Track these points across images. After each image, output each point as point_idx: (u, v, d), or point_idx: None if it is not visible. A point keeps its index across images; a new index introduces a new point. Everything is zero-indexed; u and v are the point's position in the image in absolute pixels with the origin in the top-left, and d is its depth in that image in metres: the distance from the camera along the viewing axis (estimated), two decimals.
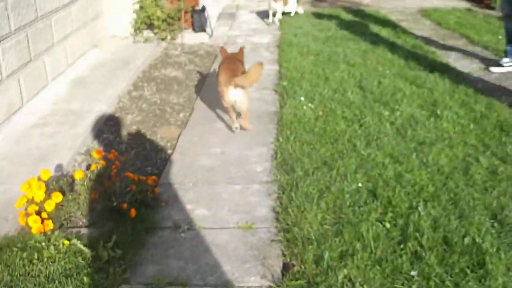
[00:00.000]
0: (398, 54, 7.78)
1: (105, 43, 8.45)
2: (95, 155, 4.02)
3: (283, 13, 10.38)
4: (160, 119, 5.85)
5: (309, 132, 5.15)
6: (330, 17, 10.52)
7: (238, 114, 5.40)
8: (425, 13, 11.04)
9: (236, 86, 5.07)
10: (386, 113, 5.54)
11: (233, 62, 5.56)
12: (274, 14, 10.31)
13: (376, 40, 8.60)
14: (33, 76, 6.21)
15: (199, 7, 9.11)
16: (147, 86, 6.85)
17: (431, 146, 4.82)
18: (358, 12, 11.07)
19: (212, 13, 9.93)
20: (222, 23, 10.19)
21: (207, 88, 6.63)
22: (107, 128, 5.65)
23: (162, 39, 8.56)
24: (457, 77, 6.81)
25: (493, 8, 11.45)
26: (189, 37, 8.75)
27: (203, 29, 8.81)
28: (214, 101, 5.99)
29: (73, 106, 6.01)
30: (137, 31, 8.58)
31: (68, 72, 7.12)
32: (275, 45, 8.50)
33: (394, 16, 10.75)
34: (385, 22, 9.99)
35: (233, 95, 5.12)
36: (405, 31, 9.27)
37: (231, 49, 7.43)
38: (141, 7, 8.46)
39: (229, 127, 5.42)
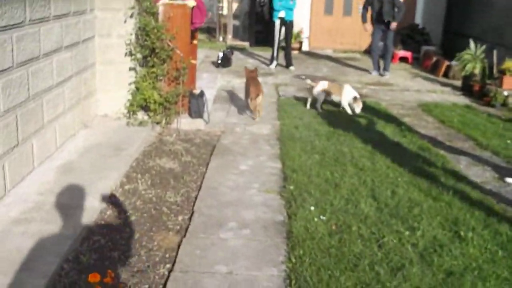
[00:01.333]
0: (407, 157, 7.39)
1: (97, 123, 7.99)
2: (91, 279, 3.50)
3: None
4: (157, 221, 5.33)
5: (325, 252, 4.66)
6: (329, 106, 10.14)
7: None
8: (426, 108, 10.74)
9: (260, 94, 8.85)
10: (406, 232, 5.08)
11: (255, 78, 9.38)
12: (312, 104, 10.03)
13: (382, 138, 8.22)
14: (19, 161, 5.72)
15: (197, 91, 8.69)
16: (141, 178, 6.35)
17: (460, 278, 4.36)
18: None
19: (208, 95, 9.52)
20: (218, 107, 9.77)
21: (207, 187, 6.13)
22: (98, 229, 5.12)
23: (157, 123, 8.09)
24: (473, 188, 6.41)
25: (493, 106, 11.20)
26: (185, 123, 8.32)
27: (200, 115, 8.39)
28: (216, 204, 5.54)
29: (61, 199, 5.49)
30: (131, 113, 8.11)
31: (56, 156, 6.63)
32: (275, 138, 8.08)
33: (395, 110, 10.42)
34: (388, 117, 9.64)
35: (259, 100, 8.85)
36: (409, 129, 8.92)
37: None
38: (137, 88, 8.01)
39: (236, 236, 4.91)
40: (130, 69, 8.21)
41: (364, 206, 5.61)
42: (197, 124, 8.40)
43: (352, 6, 18.79)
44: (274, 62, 14.53)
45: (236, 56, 15.60)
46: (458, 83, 13.41)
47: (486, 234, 5.16)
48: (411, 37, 17.53)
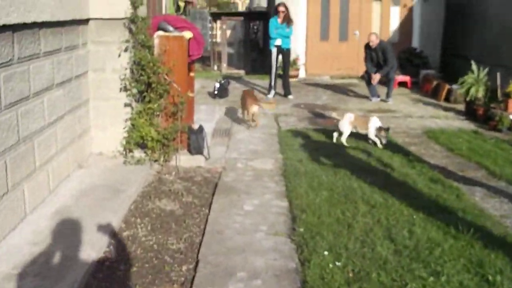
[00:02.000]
0: (419, 190, 7.03)
1: (92, 163, 7.61)
2: None
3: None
4: (159, 273, 4.94)
5: None
6: (332, 137, 9.77)
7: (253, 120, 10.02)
8: (432, 135, 10.41)
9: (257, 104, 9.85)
10: (430, 278, 4.69)
11: (250, 93, 10.79)
12: (339, 135, 9.65)
13: (390, 171, 7.86)
14: (9, 210, 5.33)
15: (196, 126, 8.33)
16: (140, 223, 5.97)
17: None
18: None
19: (206, 129, 9.16)
20: (218, 141, 9.41)
21: (211, 231, 5.74)
22: (96, 283, 4.73)
23: (155, 161, 7.71)
24: (493, 224, 6.03)
25: (500, 131, 10.88)
26: (184, 160, 7.94)
27: (200, 151, 8.01)
28: (222, 250, 5.16)
29: (56, 249, 5.09)
30: (128, 150, 7.73)
31: (50, 201, 6.23)
32: (279, 173, 7.71)
33: (400, 138, 10.08)
34: (393, 147, 9.30)
35: (255, 109, 10.01)
36: (418, 159, 8.58)
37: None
38: (133, 125, 7.64)
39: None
40: (126, 105, 7.84)
41: (381, 249, 5.23)
42: (197, 160, 8.02)
43: (348, 31, 18.57)
44: (272, 92, 14.20)
45: (233, 85, 15.30)
46: (461, 107, 13.11)
47: None
48: (409, 61, 17.28)
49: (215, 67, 21.29)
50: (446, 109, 13.19)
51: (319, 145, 9.31)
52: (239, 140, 9.62)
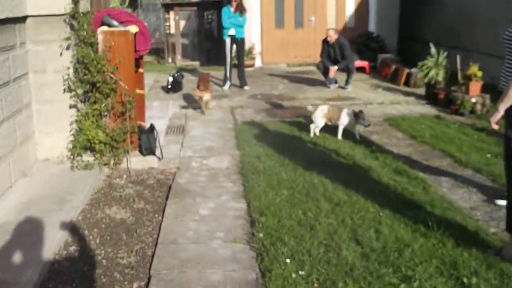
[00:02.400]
0: (384, 184, 6.70)
1: (37, 170, 7.13)
2: None
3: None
4: None
5: None
6: (291, 130, 9.43)
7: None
8: (394, 122, 10.11)
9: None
10: (402, 285, 4.34)
11: (206, 79, 11.23)
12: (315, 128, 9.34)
13: (353, 163, 7.55)
14: None
15: (147, 125, 7.88)
16: (88, 235, 5.53)
17: None
18: None
19: (159, 126, 8.75)
20: (171, 139, 8.97)
21: (164, 241, 5.32)
22: None
23: (105, 164, 7.26)
24: (463, 217, 5.72)
25: (462, 114, 10.64)
26: (136, 162, 7.50)
27: (152, 152, 7.57)
28: (176, 264, 4.77)
29: None
30: (75, 155, 7.26)
31: None
32: (237, 171, 7.32)
33: (361, 127, 9.71)
34: (354, 137, 8.93)
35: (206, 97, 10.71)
36: (380, 148, 8.29)
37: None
38: (79, 128, 7.17)
39: None
40: (71, 106, 7.38)
41: (347, 253, 4.87)
42: (150, 162, 7.58)
43: (303, 17, 18.17)
44: (228, 83, 13.75)
45: (187, 78, 14.82)
46: (421, 91, 12.86)
47: (491, 277, 4.47)
48: (366, 45, 17.00)
49: (170, 60, 20.77)
50: (406, 93, 12.91)
51: (277, 138, 8.93)
52: (194, 136, 9.20)
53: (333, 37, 13.46)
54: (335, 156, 7.90)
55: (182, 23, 24.69)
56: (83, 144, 7.16)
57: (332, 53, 13.60)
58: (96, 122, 7.22)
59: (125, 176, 7.24)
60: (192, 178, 7.16)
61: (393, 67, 14.89)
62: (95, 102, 7.22)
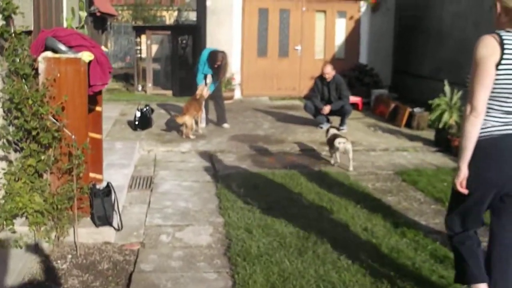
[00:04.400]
0: (425, 278, 4.85)
1: None
2: None
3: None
4: None
5: None
6: (286, 186, 7.57)
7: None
8: (408, 177, 8.32)
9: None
10: None
11: (195, 100, 11.01)
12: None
13: (375, 243, 5.67)
14: None
15: (101, 185, 5.94)
16: None
17: None
18: (320, 176, 8.17)
19: (120, 179, 6.88)
20: (135, 197, 7.05)
21: None
22: None
23: (43, 238, 5.28)
24: None
25: None
26: (86, 234, 5.58)
27: (107, 221, 5.64)
28: None
29: None
30: (2, 226, 5.30)
31: None
32: (222, 253, 5.44)
33: (370, 183, 7.96)
34: (366, 198, 7.12)
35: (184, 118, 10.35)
36: (403, 218, 6.50)
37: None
38: (7, 193, 5.20)
39: None
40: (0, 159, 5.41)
41: None
42: (104, 234, 5.67)
43: (289, 46, 16.41)
44: (204, 120, 11.79)
45: (157, 111, 12.86)
46: (427, 134, 11.24)
47: None
48: (359, 80, 15.23)
49: (140, 87, 18.87)
50: (411, 137, 11.11)
51: (271, 198, 7.05)
52: (164, 193, 7.29)
53: (330, 74, 11.60)
54: (350, 229, 6.02)
55: (155, 48, 22.90)
56: (12, 213, 5.18)
57: (326, 93, 11.71)
58: (31, 183, 5.27)
59: (70, 257, 5.31)
60: (161, 263, 5.23)
61: (392, 105, 13.12)
62: (30, 156, 5.26)
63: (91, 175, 6.22)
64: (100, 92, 6.34)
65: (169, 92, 18.20)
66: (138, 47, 21.14)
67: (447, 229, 4.24)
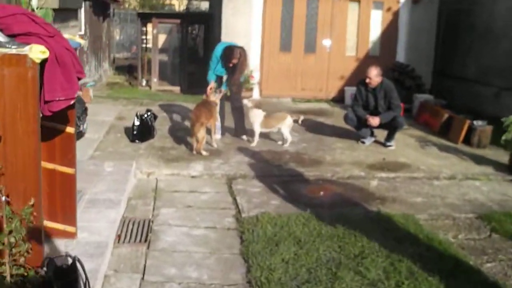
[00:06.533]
0: None
1: None
2: None
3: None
4: None
5: None
6: (335, 235, 5.42)
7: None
8: (498, 225, 6.17)
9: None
10: None
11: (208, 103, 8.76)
12: None
13: None
14: None
15: (64, 260, 3.70)
16: None
17: None
18: (382, 222, 5.94)
19: (104, 227, 4.68)
20: (123, 259, 4.82)
21: None
22: None
23: None
24: None
25: None
26: None
27: None
28: None
29: None
30: None
31: None
32: None
33: (450, 235, 5.86)
34: (458, 266, 4.93)
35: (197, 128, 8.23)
36: None
37: None
38: None
39: None
40: None
41: None
42: None
43: (316, 40, 14.18)
44: (219, 131, 9.49)
45: (161, 114, 10.62)
46: (492, 154, 9.20)
47: None
48: (399, 82, 12.89)
49: (144, 82, 16.61)
50: (476, 159, 8.85)
51: (318, 262, 4.80)
52: (167, 249, 5.08)
53: (375, 80, 9.25)
54: None
55: (162, 38, 20.69)
56: None
57: (372, 101, 9.36)
58: None
59: None
60: None
61: (445, 115, 10.83)
62: None
63: (60, 227, 4.07)
64: (72, 106, 4.09)
65: (176, 88, 15.98)
66: (144, 37, 18.90)
67: None
